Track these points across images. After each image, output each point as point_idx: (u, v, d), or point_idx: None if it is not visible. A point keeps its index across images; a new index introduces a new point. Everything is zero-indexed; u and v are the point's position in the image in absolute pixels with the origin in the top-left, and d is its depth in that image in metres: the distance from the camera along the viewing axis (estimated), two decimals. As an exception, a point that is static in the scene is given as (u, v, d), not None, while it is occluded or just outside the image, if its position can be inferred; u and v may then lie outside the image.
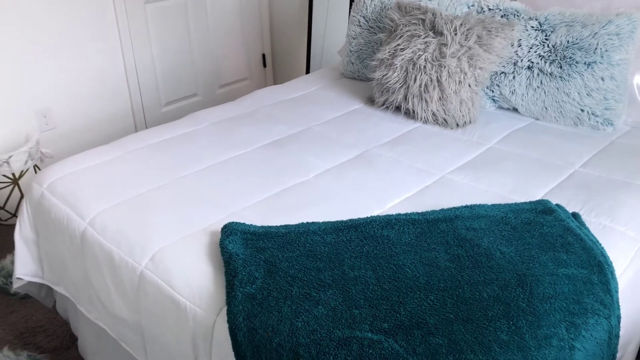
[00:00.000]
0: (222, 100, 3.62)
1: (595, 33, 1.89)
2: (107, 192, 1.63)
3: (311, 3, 3.47)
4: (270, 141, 1.93)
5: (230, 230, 1.38)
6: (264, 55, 3.87)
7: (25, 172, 2.64)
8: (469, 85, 1.99)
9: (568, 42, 1.93)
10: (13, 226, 1.98)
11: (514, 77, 2.04)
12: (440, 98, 2.00)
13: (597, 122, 1.95)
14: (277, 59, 3.94)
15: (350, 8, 3.13)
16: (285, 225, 1.41)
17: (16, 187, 2.63)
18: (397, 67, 2.07)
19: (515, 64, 2.03)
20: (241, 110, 2.20)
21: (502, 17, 2.09)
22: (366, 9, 2.42)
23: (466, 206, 1.47)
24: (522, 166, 1.73)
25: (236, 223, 1.41)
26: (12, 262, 2.27)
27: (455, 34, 2.01)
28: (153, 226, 1.47)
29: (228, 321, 1.17)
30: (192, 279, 1.30)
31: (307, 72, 3.65)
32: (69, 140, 2.97)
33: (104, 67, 2.99)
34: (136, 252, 1.41)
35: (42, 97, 2.81)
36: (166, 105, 3.35)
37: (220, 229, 1.41)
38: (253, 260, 1.28)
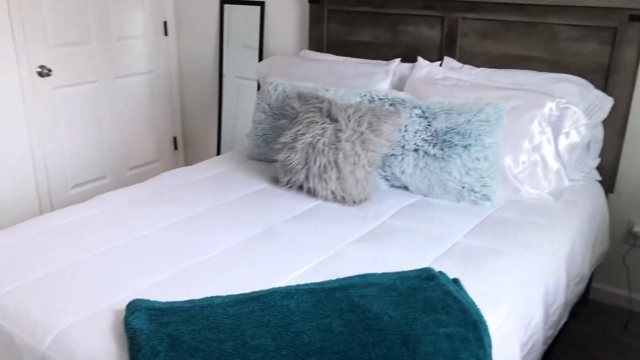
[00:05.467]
0: (131, 182, 3.62)
1: (469, 120, 2.16)
2: (6, 275, 1.63)
3: (221, 89, 3.65)
4: (176, 220, 2.00)
5: (134, 307, 1.42)
6: (175, 138, 3.96)
7: None
8: (363, 166, 2.18)
9: (447, 127, 2.18)
10: None
11: (402, 159, 2.26)
12: (338, 178, 2.18)
13: (477, 197, 2.18)
14: (189, 142, 4.05)
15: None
16: (190, 300, 1.48)
17: None
18: (298, 150, 2.24)
19: (403, 147, 2.25)
20: (147, 191, 2.27)
21: (390, 105, 2.33)
22: (270, 97, 2.61)
23: (359, 275, 1.60)
24: (411, 238, 1.90)
25: (140, 300, 1.46)
26: None
27: (349, 121, 2.21)
28: (55, 307, 1.48)
29: (131, 395, 1.21)
30: (95, 358, 1.32)
31: (218, 154, 3.77)
32: (-33, 225, 2.88)
33: (8, 150, 2.97)
34: (37, 333, 1.41)
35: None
36: (73, 187, 3.34)
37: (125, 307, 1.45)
38: (156, 335, 1.33)
